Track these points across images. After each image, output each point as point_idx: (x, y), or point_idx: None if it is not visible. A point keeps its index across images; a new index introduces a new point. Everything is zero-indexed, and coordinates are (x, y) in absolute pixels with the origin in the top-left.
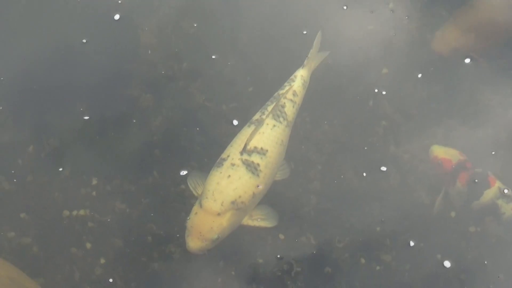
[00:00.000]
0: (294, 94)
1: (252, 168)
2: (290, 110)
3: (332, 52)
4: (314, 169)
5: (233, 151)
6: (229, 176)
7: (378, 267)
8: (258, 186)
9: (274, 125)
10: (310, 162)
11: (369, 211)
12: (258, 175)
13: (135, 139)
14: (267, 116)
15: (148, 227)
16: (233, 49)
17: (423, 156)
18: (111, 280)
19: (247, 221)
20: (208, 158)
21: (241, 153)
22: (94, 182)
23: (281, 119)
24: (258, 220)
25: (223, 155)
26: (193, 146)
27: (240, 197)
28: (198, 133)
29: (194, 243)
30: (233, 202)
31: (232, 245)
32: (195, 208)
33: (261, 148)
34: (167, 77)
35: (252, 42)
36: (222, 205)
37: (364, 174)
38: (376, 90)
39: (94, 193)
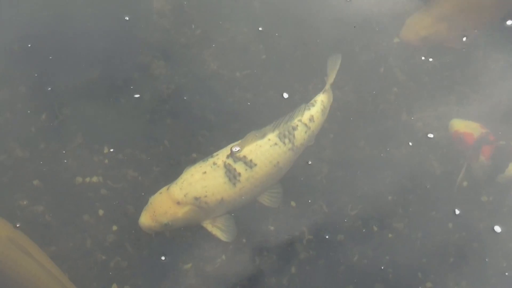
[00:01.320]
0: (311, 119)
1: (231, 174)
2: (300, 135)
3: (345, 20)
4: (326, 138)
5: (224, 152)
6: (205, 172)
7: (390, 235)
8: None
9: (276, 144)
10: (322, 130)
11: (382, 180)
12: (234, 184)
13: (147, 107)
14: (274, 130)
15: None
16: (247, 16)
17: (435, 124)
18: (123, 247)
19: (208, 224)
20: (220, 127)
21: (228, 156)
22: (106, 150)
23: (287, 140)
24: (217, 228)
25: (216, 153)
26: (205, 115)
27: (205, 196)
28: (210, 101)
29: (145, 219)
30: (196, 198)
31: (244, 212)
32: (164, 188)
33: (250, 160)
34: (180, 44)
35: (265, 9)
36: (185, 196)
37: (376, 142)
38: (388, 59)
39: (106, 161)
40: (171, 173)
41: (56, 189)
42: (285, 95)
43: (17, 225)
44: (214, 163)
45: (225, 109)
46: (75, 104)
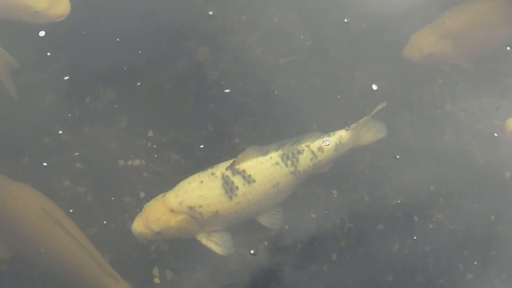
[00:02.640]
0: (320, 149)
1: (228, 187)
2: (305, 160)
3: (391, 8)
4: None
5: (225, 164)
6: (202, 182)
7: (431, 226)
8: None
9: (277, 163)
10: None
11: (424, 169)
12: (231, 198)
13: (191, 92)
14: (277, 150)
15: None
16: (293, 2)
17: (479, 115)
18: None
19: (202, 238)
20: (263, 113)
21: (227, 168)
22: (150, 133)
23: (289, 162)
24: (212, 242)
25: (217, 165)
26: (248, 101)
27: (200, 206)
28: (254, 87)
29: (137, 225)
30: (191, 208)
31: (287, 200)
32: (160, 195)
33: (249, 175)
34: (225, 30)
35: None
36: (179, 204)
37: (420, 132)
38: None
39: (149, 144)
40: (214, 158)
41: (98, 171)
42: (374, 87)
43: (70, 211)
44: (213, 174)
45: (269, 95)
46: (120, 87)
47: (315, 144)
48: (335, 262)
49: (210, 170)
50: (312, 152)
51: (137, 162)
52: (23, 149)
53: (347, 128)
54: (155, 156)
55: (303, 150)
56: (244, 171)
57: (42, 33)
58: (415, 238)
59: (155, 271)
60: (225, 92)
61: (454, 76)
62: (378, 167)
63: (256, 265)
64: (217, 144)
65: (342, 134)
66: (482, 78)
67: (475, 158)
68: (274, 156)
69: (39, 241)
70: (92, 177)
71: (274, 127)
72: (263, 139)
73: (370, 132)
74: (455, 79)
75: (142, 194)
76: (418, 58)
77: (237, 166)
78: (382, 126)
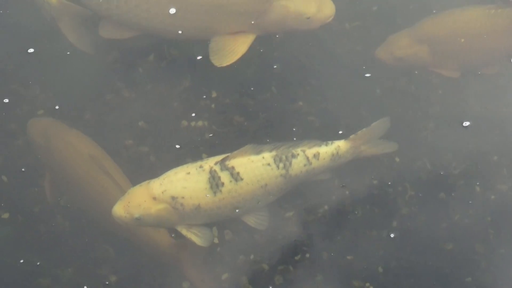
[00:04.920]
0: (315, 156)
1: (213, 182)
2: (298, 165)
3: None
4: (434, 94)
5: (215, 158)
6: (189, 173)
7: (493, 196)
8: (207, 195)
9: (268, 164)
10: (431, 85)
11: (489, 140)
12: (215, 193)
13: (255, 54)
14: (271, 150)
15: (263, 141)
16: None
17: None
18: None
19: (182, 229)
20: (327, 77)
21: (217, 162)
22: (214, 94)
23: (281, 165)
24: (192, 233)
25: (208, 158)
26: (313, 65)
27: (183, 198)
28: (319, 51)
29: (118, 208)
30: (173, 198)
31: (348, 165)
32: (146, 182)
33: (237, 173)
34: None
35: None
36: (163, 193)
37: (486, 101)
38: None
39: (213, 105)
40: (278, 121)
41: (161, 131)
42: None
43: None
44: (201, 166)
45: (333, 60)
46: (184, 46)
47: (311, 151)
48: (396, 229)
49: (199, 163)
50: (307, 158)
51: (200, 123)
52: (85, 105)
53: (345, 139)
54: (218, 117)
55: (298, 154)
56: (233, 167)
57: None
58: (476, 208)
59: (214, 231)
60: (290, 55)
61: None
62: (441, 135)
63: (315, 228)
64: (280, 106)
65: (340, 145)
66: None
67: None
68: (267, 156)
69: (84, 187)
70: (155, 137)
71: (338, 90)
72: (327, 102)
73: (377, 148)
74: None
75: (204, 156)
76: (390, 60)
77: (227, 162)
78: (393, 144)
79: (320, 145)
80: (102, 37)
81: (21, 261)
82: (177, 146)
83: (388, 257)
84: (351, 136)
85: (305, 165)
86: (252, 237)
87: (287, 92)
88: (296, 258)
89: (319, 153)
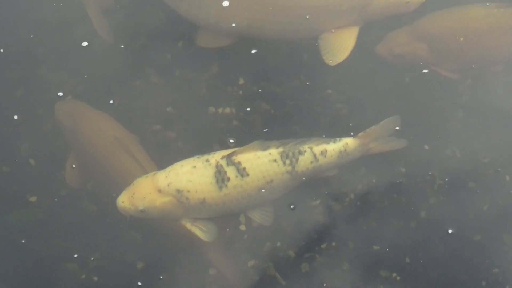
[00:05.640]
0: (323, 153)
1: (220, 177)
2: (304, 162)
3: None
4: (463, 84)
5: (222, 153)
6: (195, 167)
7: None
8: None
9: (275, 160)
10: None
11: None
12: (220, 188)
13: (284, 42)
14: (278, 147)
15: (291, 128)
16: None
17: None
18: None
19: (187, 223)
20: (356, 66)
21: (223, 157)
22: (241, 81)
23: (287, 161)
24: (197, 228)
25: (215, 152)
26: None
27: (188, 191)
28: None
29: (122, 199)
30: (178, 191)
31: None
32: (152, 173)
33: (243, 168)
34: None
35: None
36: (168, 185)
37: None
38: None
39: (240, 92)
40: (306, 109)
41: (189, 117)
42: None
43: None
44: (207, 160)
45: (361, 48)
46: None
47: (318, 148)
48: (424, 219)
49: (206, 156)
50: (314, 155)
51: (227, 110)
52: (114, 90)
53: (353, 136)
54: (245, 104)
55: (305, 151)
56: (239, 163)
57: None
58: (506, 198)
59: (242, 218)
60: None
61: None
62: (471, 124)
63: (342, 217)
64: (308, 94)
65: (348, 142)
66: None
67: None
68: (274, 152)
69: (108, 169)
70: (182, 123)
71: (366, 79)
72: (357, 91)
73: (386, 145)
74: None
75: (231, 142)
76: (388, 57)
77: (234, 157)
78: (402, 141)
79: (328, 142)
80: (198, 45)
81: (48, 245)
82: (204, 132)
83: (415, 247)
84: (360, 134)
85: (311, 162)
86: (279, 224)
87: (316, 79)
88: (323, 246)
89: (326, 150)
